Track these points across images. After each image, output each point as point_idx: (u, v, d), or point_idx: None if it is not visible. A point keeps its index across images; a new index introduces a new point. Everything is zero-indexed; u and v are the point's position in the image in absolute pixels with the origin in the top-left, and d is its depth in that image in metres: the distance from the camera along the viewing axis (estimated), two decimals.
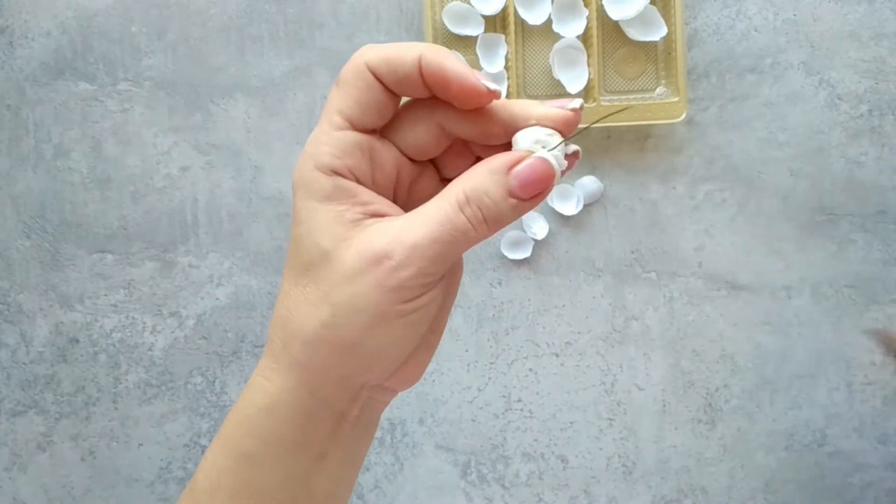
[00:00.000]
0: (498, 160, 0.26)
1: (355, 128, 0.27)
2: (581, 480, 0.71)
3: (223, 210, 0.70)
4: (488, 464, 0.71)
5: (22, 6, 0.70)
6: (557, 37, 0.65)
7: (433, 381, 0.70)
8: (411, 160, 0.30)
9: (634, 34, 0.66)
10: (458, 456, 0.71)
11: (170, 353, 0.72)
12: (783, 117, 0.68)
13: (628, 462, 0.71)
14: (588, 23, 0.65)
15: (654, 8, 0.65)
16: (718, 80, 0.68)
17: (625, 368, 0.70)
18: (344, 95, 0.27)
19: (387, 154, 0.29)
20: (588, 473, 0.71)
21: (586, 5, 0.65)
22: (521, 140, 0.27)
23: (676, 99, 0.65)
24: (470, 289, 0.70)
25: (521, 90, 0.67)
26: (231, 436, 0.28)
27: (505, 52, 0.66)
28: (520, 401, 0.71)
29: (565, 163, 0.27)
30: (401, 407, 0.71)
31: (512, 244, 0.69)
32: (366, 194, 0.27)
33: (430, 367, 0.70)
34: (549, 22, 0.65)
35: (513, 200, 0.26)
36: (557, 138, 0.27)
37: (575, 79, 0.66)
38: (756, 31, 0.68)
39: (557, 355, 0.70)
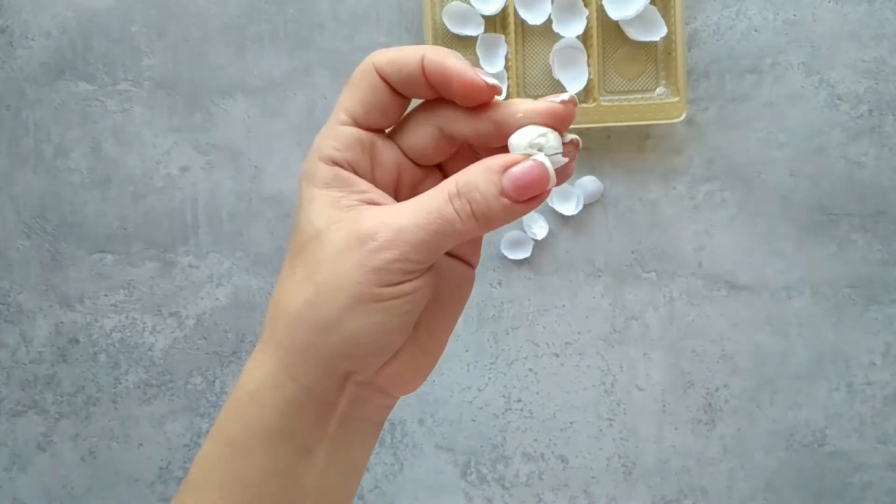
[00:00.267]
0: (496, 159, 0.27)
1: (359, 125, 0.28)
2: (581, 480, 0.71)
3: (223, 210, 0.70)
4: (488, 464, 0.71)
5: (22, 6, 0.70)
6: (557, 37, 0.65)
7: (433, 381, 0.70)
8: (416, 164, 0.30)
9: (634, 34, 0.66)
10: (458, 456, 0.71)
11: (170, 353, 0.72)
12: (783, 117, 0.68)
13: (628, 462, 0.71)
14: (588, 23, 0.65)
15: (654, 8, 0.65)
16: (718, 81, 0.68)
17: (625, 368, 0.70)
18: (351, 94, 0.28)
19: (388, 153, 0.29)
20: (588, 473, 0.71)
21: (586, 5, 0.65)
22: (516, 142, 0.27)
23: (676, 99, 0.65)
24: None
25: (521, 90, 0.67)
26: (220, 422, 0.29)
27: (505, 53, 0.66)
28: (520, 401, 0.71)
29: (564, 159, 0.27)
30: (401, 407, 0.71)
31: (512, 244, 0.69)
32: (363, 184, 0.28)
33: None
34: (549, 22, 0.66)
35: (504, 200, 0.26)
36: (551, 137, 0.26)
37: (575, 79, 0.66)
38: (756, 31, 0.68)
39: (557, 355, 0.70)
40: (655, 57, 0.67)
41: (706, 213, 0.69)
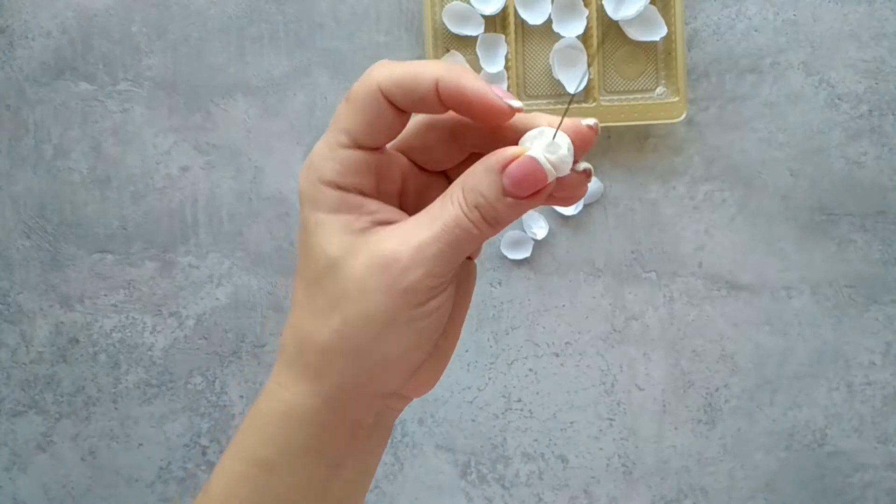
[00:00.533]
0: (492, 158, 0.26)
1: (361, 147, 0.27)
2: (581, 480, 0.71)
3: (223, 210, 0.70)
4: (488, 464, 0.71)
5: (22, 6, 0.70)
6: (557, 37, 0.65)
7: None
8: (421, 168, 0.30)
9: (634, 34, 0.66)
10: (458, 456, 0.71)
11: (170, 353, 0.72)
12: (783, 117, 0.68)
13: (628, 462, 0.71)
14: (588, 23, 0.65)
15: (654, 8, 0.65)
16: (718, 80, 0.68)
17: (625, 368, 0.70)
18: (353, 115, 0.27)
19: (393, 166, 0.29)
20: (588, 473, 0.71)
21: (586, 5, 0.65)
22: (525, 139, 0.27)
23: (676, 99, 0.65)
24: None
25: (521, 90, 0.67)
26: (247, 443, 0.29)
27: (505, 52, 0.66)
28: (520, 401, 0.71)
29: (569, 160, 0.26)
30: None
31: (512, 244, 0.69)
32: (372, 204, 0.28)
33: None
34: (549, 22, 0.66)
35: (509, 199, 0.26)
36: (561, 140, 0.26)
37: (575, 79, 0.66)
38: (756, 31, 0.68)
39: (557, 355, 0.70)
40: (655, 57, 0.67)
41: (706, 213, 0.69)
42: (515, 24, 0.66)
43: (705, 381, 0.70)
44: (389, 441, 0.71)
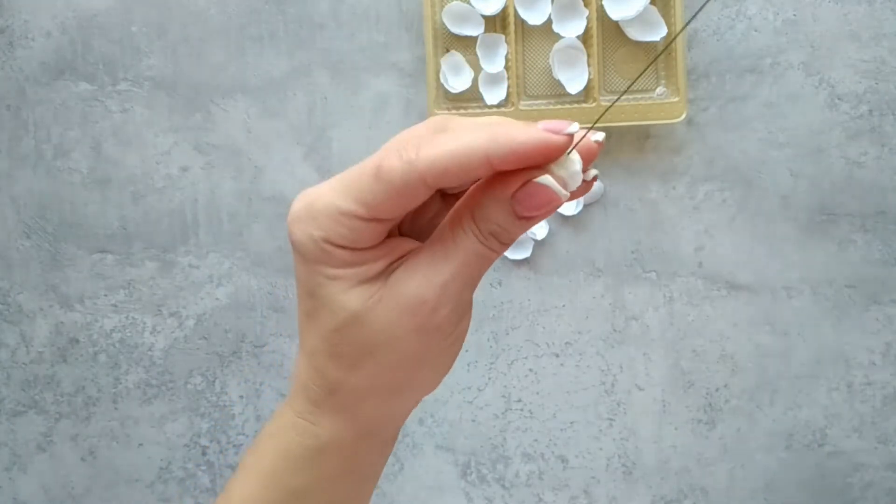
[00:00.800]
0: (500, 186, 0.26)
1: (378, 221, 0.26)
2: (581, 480, 0.71)
3: (223, 210, 0.70)
4: (488, 464, 0.71)
5: (22, 6, 0.70)
6: (557, 37, 0.65)
7: None
8: None
9: (634, 34, 0.66)
10: (458, 456, 0.71)
11: (170, 353, 0.72)
12: (783, 117, 0.68)
13: (628, 462, 0.71)
14: (588, 23, 0.65)
15: (654, 8, 0.65)
16: (718, 81, 0.68)
17: (625, 368, 0.70)
18: (382, 194, 0.25)
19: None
20: (588, 473, 0.71)
21: (586, 5, 0.65)
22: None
23: (676, 99, 0.65)
24: None
25: (521, 90, 0.67)
26: (277, 473, 0.29)
27: (505, 52, 0.66)
28: (520, 401, 0.71)
29: (580, 174, 0.26)
30: None
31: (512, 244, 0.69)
32: (382, 249, 0.27)
33: None
34: (549, 22, 0.65)
35: (522, 221, 0.26)
36: (573, 155, 0.26)
37: (575, 79, 0.66)
38: (756, 31, 0.68)
39: (557, 355, 0.70)
40: (655, 57, 0.67)
41: (706, 213, 0.69)
42: (515, 24, 0.66)
43: (705, 381, 0.70)
44: None
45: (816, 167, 0.68)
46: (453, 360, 0.29)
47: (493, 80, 0.67)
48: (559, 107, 0.67)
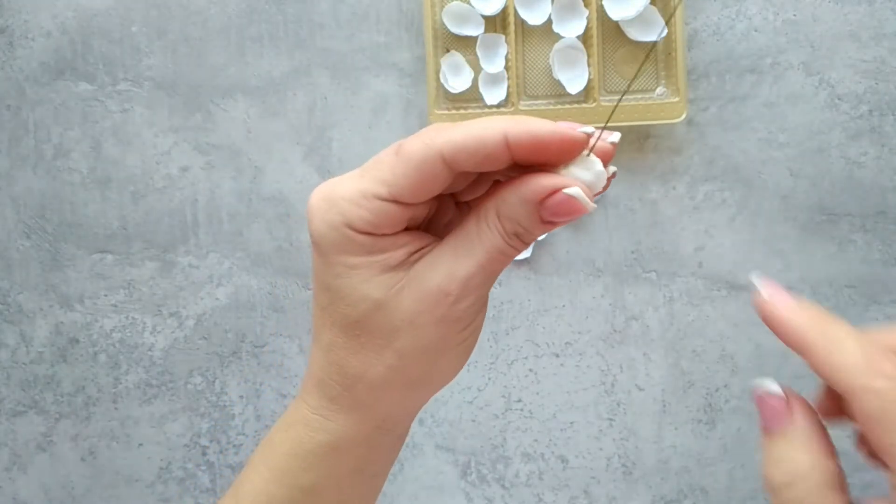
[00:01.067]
0: (528, 189, 0.26)
1: (399, 202, 0.26)
2: (581, 480, 0.71)
3: (223, 210, 0.70)
4: (488, 464, 0.71)
5: (22, 6, 0.70)
6: (557, 37, 0.65)
7: None
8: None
9: (634, 34, 0.66)
10: (458, 456, 0.71)
11: (170, 353, 0.72)
12: (783, 117, 0.68)
13: (628, 462, 0.71)
14: (588, 23, 0.65)
15: (654, 8, 0.65)
16: (718, 81, 0.68)
17: (625, 368, 0.70)
18: (403, 173, 0.26)
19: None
20: (588, 473, 0.71)
21: (586, 5, 0.65)
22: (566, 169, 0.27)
23: (676, 99, 0.65)
24: None
25: (521, 90, 0.67)
26: (289, 469, 0.29)
27: (505, 52, 0.66)
28: (520, 401, 0.71)
29: (604, 173, 0.27)
30: None
31: None
32: (402, 237, 0.27)
33: None
34: (549, 22, 0.65)
35: (546, 225, 0.27)
36: (593, 156, 0.27)
37: (575, 79, 0.66)
38: (756, 31, 0.68)
39: (557, 355, 0.70)
40: (655, 57, 0.67)
41: (706, 213, 0.69)
42: (515, 24, 0.66)
43: (705, 381, 0.70)
44: None
45: (816, 167, 0.68)
46: (469, 353, 0.30)
47: (493, 80, 0.67)
48: (559, 107, 0.67)
